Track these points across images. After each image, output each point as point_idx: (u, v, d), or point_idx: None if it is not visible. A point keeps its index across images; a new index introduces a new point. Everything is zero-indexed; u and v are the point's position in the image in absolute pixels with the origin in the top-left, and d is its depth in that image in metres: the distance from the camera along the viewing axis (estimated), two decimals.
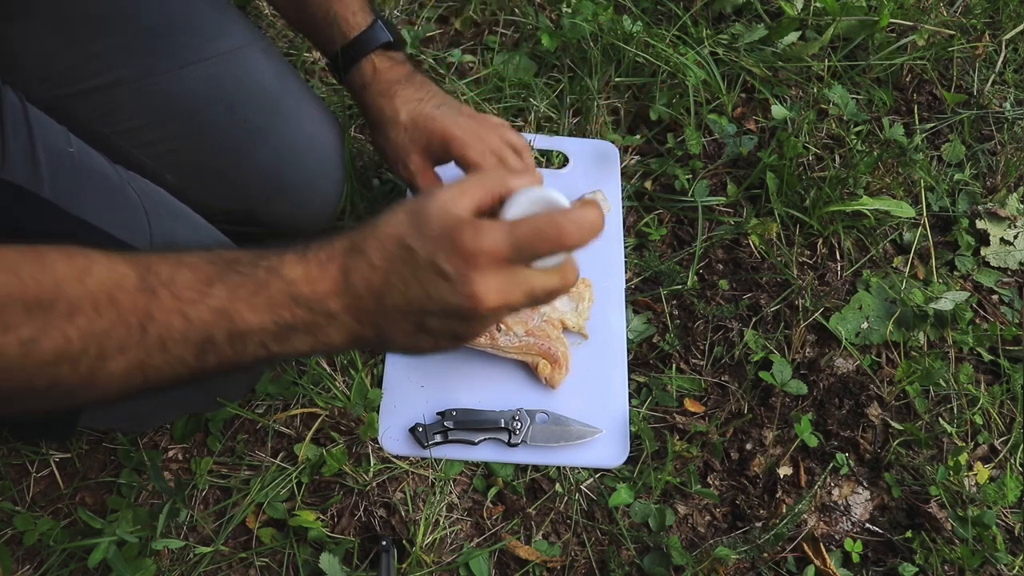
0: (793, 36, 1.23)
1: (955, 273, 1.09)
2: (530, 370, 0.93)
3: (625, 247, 1.04)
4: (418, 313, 0.52)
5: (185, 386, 0.52)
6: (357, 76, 0.86)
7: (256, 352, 0.51)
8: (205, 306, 0.48)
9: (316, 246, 0.52)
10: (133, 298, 0.47)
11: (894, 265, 1.09)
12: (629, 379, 0.95)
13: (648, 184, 1.11)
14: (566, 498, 0.88)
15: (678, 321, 1.00)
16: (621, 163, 1.11)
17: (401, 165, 0.86)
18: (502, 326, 0.90)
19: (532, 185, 0.56)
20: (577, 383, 0.93)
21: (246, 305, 0.49)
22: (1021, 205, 1.14)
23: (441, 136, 0.83)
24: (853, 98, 1.19)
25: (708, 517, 0.90)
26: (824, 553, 0.87)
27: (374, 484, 0.86)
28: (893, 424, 0.96)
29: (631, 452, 0.90)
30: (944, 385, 0.98)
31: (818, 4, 1.24)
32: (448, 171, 0.88)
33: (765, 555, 0.86)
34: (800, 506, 0.88)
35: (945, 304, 1.01)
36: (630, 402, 0.94)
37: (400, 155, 0.85)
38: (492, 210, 0.55)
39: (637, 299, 1.01)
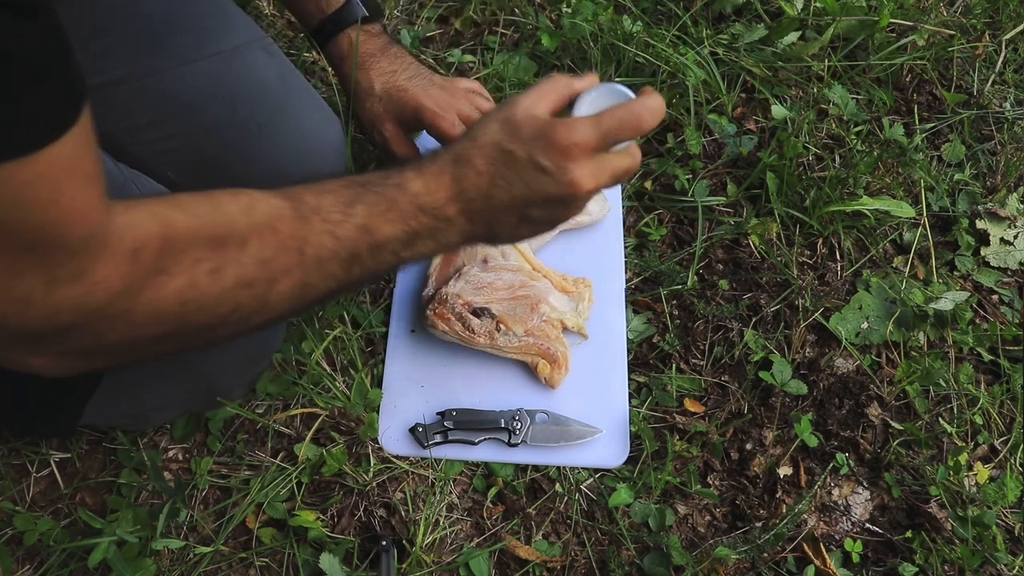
0: (793, 36, 1.23)
1: (955, 273, 1.09)
2: (530, 370, 0.93)
3: (625, 247, 1.04)
4: (522, 206, 0.60)
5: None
6: (335, 49, 0.91)
7: (389, 259, 0.59)
8: (350, 225, 0.55)
9: (428, 161, 0.60)
10: (291, 226, 0.53)
11: (894, 265, 1.09)
12: (629, 379, 0.95)
13: (648, 184, 1.11)
14: (566, 498, 0.88)
15: (678, 321, 1.00)
16: None
17: (376, 133, 0.93)
18: (502, 326, 0.90)
19: (593, 83, 0.64)
20: (577, 383, 0.93)
21: (382, 219, 0.57)
22: (1021, 205, 1.14)
23: (413, 107, 0.90)
24: (853, 98, 1.19)
25: (708, 517, 0.90)
26: (824, 553, 0.87)
27: (374, 484, 0.86)
28: (893, 424, 0.96)
29: (631, 452, 0.90)
30: (944, 385, 0.98)
31: (818, 4, 1.24)
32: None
33: (765, 555, 0.86)
34: (800, 506, 0.88)
35: (945, 304, 1.01)
36: (630, 402, 0.94)
37: (375, 124, 0.92)
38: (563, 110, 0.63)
39: (637, 299, 1.01)
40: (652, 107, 0.59)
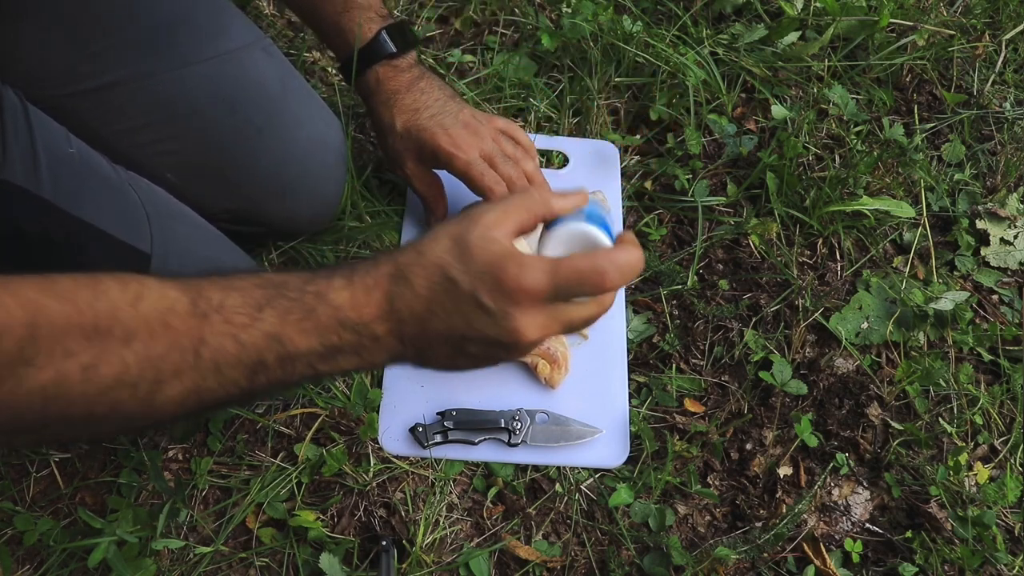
0: (793, 36, 1.23)
1: (955, 273, 1.09)
2: (530, 370, 0.93)
3: None
4: (459, 340, 0.54)
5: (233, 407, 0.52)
6: (363, 85, 0.90)
7: (304, 371, 0.53)
8: (257, 330, 0.50)
9: (362, 271, 0.53)
10: (186, 323, 0.48)
11: (894, 265, 1.09)
12: (629, 379, 0.95)
13: (648, 184, 1.11)
14: (566, 498, 0.88)
15: (678, 321, 1.00)
16: (621, 163, 1.11)
17: (399, 169, 0.93)
18: None
19: (578, 206, 0.57)
20: (577, 383, 0.93)
21: (296, 329, 0.51)
22: (1021, 205, 1.14)
23: (430, 147, 0.88)
24: (853, 98, 1.19)
25: (708, 517, 0.90)
26: (824, 553, 0.87)
27: (374, 484, 0.86)
28: (893, 424, 0.96)
29: (631, 452, 0.90)
30: (944, 385, 0.98)
31: (818, 4, 1.24)
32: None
33: (765, 555, 0.86)
34: (800, 506, 0.88)
35: (945, 304, 1.01)
36: (630, 402, 0.94)
37: (397, 161, 0.92)
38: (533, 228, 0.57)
39: (637, 299, 1.01)
40: (623, 264, 0.52)
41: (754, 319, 1.01)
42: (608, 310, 0.58)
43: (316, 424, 0.87)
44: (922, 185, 1.13)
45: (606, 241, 0.56)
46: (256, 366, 0.50)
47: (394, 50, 0.88)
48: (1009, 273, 1.10)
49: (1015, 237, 1.11)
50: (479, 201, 0.89)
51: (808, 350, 1.00)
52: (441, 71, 1.17)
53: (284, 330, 0.50)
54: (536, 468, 0.89)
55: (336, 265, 0.55)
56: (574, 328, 0.56)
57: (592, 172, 1.09)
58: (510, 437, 0.88)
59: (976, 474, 0.93)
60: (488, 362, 0.57)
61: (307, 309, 0.51)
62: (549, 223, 0.58)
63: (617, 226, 1.04)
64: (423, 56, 1.18)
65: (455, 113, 0.89)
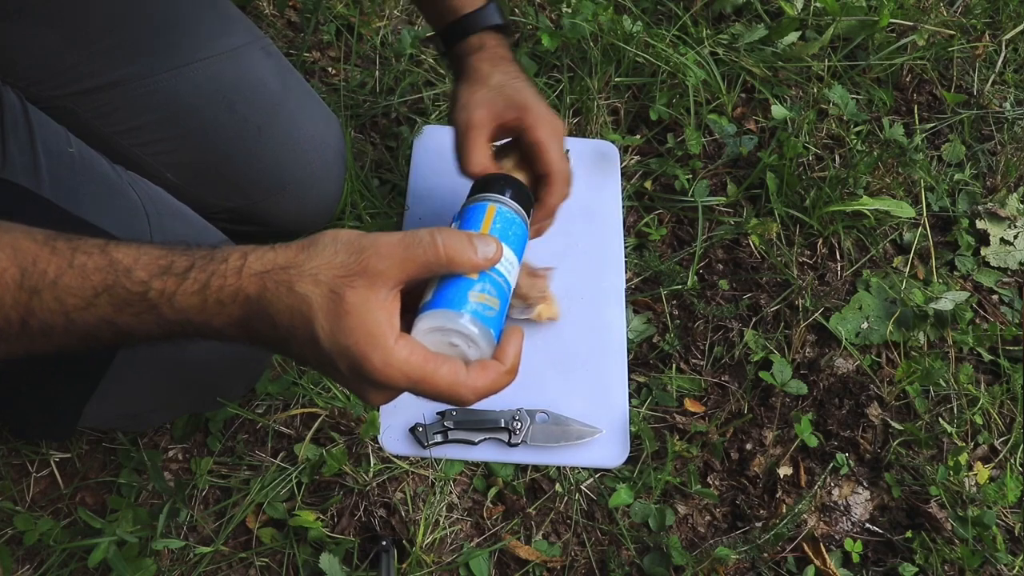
0: (793, 36, 1.23)
1: (955, 273, 1.09)
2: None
3: (625, 247, 1.04)
4: (320, 370, 0.54)
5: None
6: (465, 46, 0.84)
7: (147, 340, 0.52)
8: (89, 314, 0.49)
9: (220, 278, 0.50)
10: (14, 295, 0.48)
11: (894, 265, 1.09)
12: (629, 379, 0.95)
13: (648, 184, 1.11)
14: (566, 498, 0.88)
15: (678, 321, 1.00)
16: (621, 163, 1.11)
17: (466, 114, 0.81)
18: None
19: (478, 269, 0.55)
20: (577, 383, 0.93)
21: (133, 319, 0.50)
22: (1021, 205, 1.14)
23: (521, 104, 0.80)
24: (853, 98, 1.19)
25: (708, 517, 0.90)
26: (824, 553, 0.87)
27: (374, 484, 0.85)
28: (893, 424, 0.96)
29: (631, 452, 0.90)
30: (944, 385, 0.98)
31: (818, 4, 1.24)
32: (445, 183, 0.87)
33: (765, 555, 0.86)
34: (800, 506, 0.88)
35: (945, 304, 1.01)
36: (630, 402, 0.94)
37: (473, 108, 0.81)
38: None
39: (637, 299, 1.01)
40: (480, 389, 0.52)
41: (754, 319, 1.01)
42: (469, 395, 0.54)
43: (316, 424, 0.87)
44: (922, 185, 1.13)
45: (473, 352, 0.55)
46: (89, 339, 0.51)
47: (502, 22, 0.86)
48: (1009, 273, 1.10)
49: (1015, 237, 1.11)
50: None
51: (808, 350, 1.00)
52: (441, 71, 1.16)
53: (119, 318, 0.50)
54: (536, 468, 0.89)
55: (195, 252, 0.51)
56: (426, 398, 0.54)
57: (592, 172, 1.09)
58: (510, 437, 0.88)
59: (976, 474, 0.93)
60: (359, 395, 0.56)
61: (148, 305, 0.49)
62: (443, 278, 0.56)
63: (615, 216, 1.04)
64: (423, 56, 1.18)
65: (542, 97, 0.85)
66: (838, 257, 1.08)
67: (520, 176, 0.78)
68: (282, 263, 0.50)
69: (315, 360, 0.51)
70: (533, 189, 0.78)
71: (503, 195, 0.66)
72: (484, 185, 0.68)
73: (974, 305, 1.06)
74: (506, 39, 0.86)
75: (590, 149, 1.10)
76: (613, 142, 1.12)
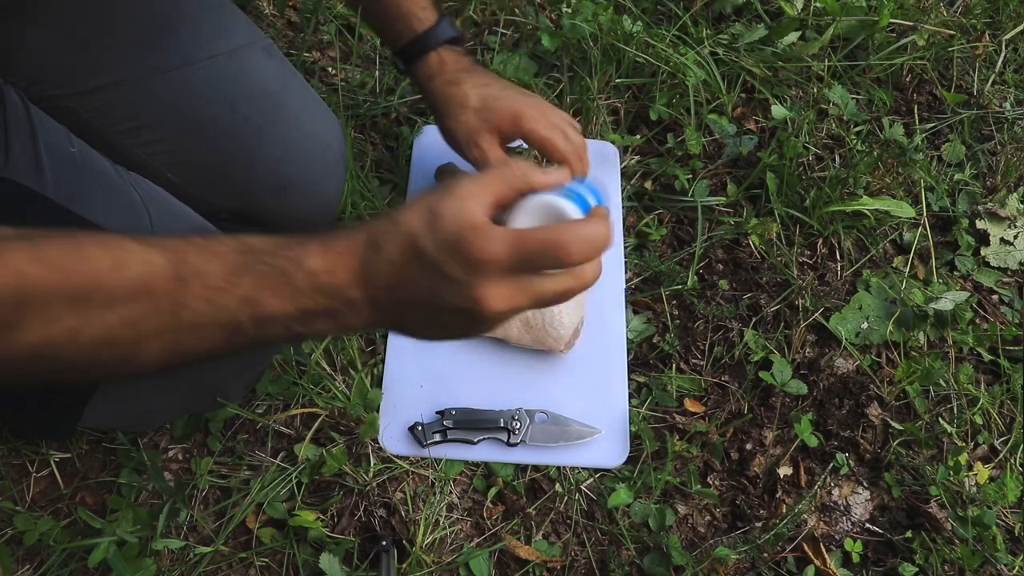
0: (793, 36, 1.23)
1: (955, 273, 1.09)
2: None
3: (625, 247, 1.04)
4: (429, 308, 0.54)
5: (192, 381, 0.53)
6: (424, 68, 0.89)
7: (281, 332, 0.54)
8: (233, 295, 0.51)
9: (338, 238, 0.54)
10: (167, 287, 0.50)
11: (894, 265, 1.09)
12: (629, 379, 0.95)
13: (648, 184, 1.11)
14: (566, 498, 0.88)
15: (678, 321, 1.00)
16: (621, 163, 1.11)
17: (473, 145, 0.88)
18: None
19: (559, 182, 0.57)
20: (577, 383, 0.93)
21: (271, 293, 0.52)
22: (1021, 205, 1.14)
23: (511, 113, 0.86)
24: (853, 98, 1.19)
25: (708, 517, 0.90)
26: (824, 553, 0.87)
27: (374, 484, 0.86)
28: (893, 424, 0.96)
29: (631, 452, 0.90)
30: (944, 385, 0.98)
31: (818, 4, 1.24)
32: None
33: (765, 555, 0.86)
34: (800, 506, 0.88)
35: (945, 304, 1.01)
36: (630, 402, 0.94)
37: (472, 136, 0.88)
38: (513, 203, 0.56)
39: (637, 299, 1.01)
40: (587, 237, 0.51)
41: (754, 319, 1.01)
42: (587, 285, 0.56)
43: (316, 424, 0.87)
44: (922, 185, 1.13)
45: (574, 213, 0.55)
46: (232, 326, 0.52)
47: (456, 34, 0.89)
48: (1009, 273, 1.10)
49: (1015, 237, 1.11)
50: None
51: (808, 350, 1.00)
52: None
53: (259, 294, 0.52)
54: (536, 468, 0.89)
55: (316, 232, 0.55)
56: (546, 302, 0.55)
57: (592, 172, 1.08)
58: (509, 437, 0.88)
59: (976, 474, 0.93)
60: (460, 332, 0.57)
61: (282, 273, 0.52)
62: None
63: (615, 216, 1.04)
64: None
65: (518, 88, 0.91)
66: (838, 257, 1.08)
67: None
68: (381, 221, 0.54)
69: (428, 287, 0.53)
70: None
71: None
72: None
73: (974, 305, 1.06)
74: (463, 50, 0.90)
75: (590, 149, 1.09)
76: (613, 142, 1.12)
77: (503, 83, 0.90)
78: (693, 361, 0.98)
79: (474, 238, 0.51)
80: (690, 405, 0.95)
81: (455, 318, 0.54)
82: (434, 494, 0.86)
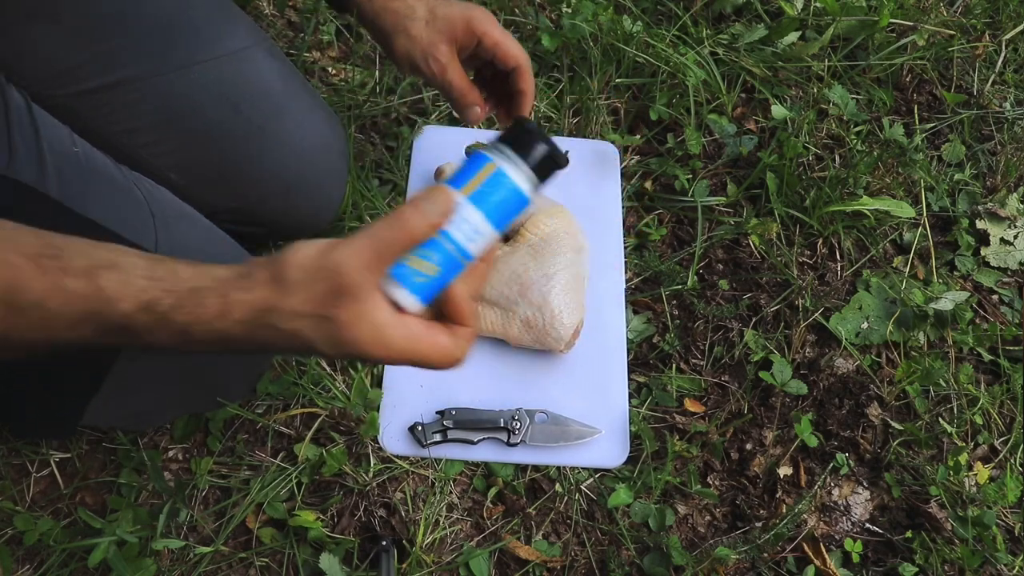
0: (793, 36, 1.23)
1: (955, 273, 1.09)
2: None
3: (625, 247, 1.04)
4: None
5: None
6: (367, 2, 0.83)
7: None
8: (72, 334, 0.50)
9: (202, 324, 0.50)
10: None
11: (894, 265, 1.09)
12: (629, 379, 0.95)
13: (648, 184, 1.11)
14: (566, 498, 0.88)
15: (678, 321, 1.00)
16: (621, 163, 1.11)
17: (431, 60, 0.82)
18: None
19: (435, 227, 0.53)
20: (577, 383, 0.93)
21: (115, 342, 0.51)
22: (1021, 205, 1.14)
23: (463, 19, 0.80)
24: (853, 98, 1.19)
25: (708, 517, 0.90)
26: (824, 553, 0.87)
27: (374, 484, 0.86)
28: (893, 424, 0.96)
29: (631, 452, 0.90)
30: (944, 385, 0.98)
31: (818, 4, 1.24)
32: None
33: (765, 555, 0.86)
34: (800, 506, 0.88)
35: (945, 304, 1.01)
36: (630, 402, 0.94)
37: (426, 50, 0.82)
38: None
39: (637, 299, 1.01)
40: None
41: (754, 319, 1.01)
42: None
43: (316, 424, 0.87)
44: (922, 185, 1.13)
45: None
46: (69, 350, 0.52)
47: None
48: (1009, 273, 1.10)
49: (1015, 237, 1.11)
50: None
51: (808, 350, 1.00)
52: None
53: (103, 340, 0.51)
54: (536, 468, 0.89)
55: (181, 285, 0.50)
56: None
57: (592, 172, 1.09)
58: (509, 437, 0.88)
59: (976, 474, 0.93)
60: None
61: (132, 334, 0.50)
62: None
63: (615, 216, 1.04)
64: None
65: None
66: (838, 257, 1.08)
67: None
68: (260, 305, 0.49)
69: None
70: (510, 85, 0.82)
71: (519, 157, 0.57)
72: (511, 136, 0.58)
73: (974, 305, 1.06)
74: None
75: (590, 149, 1.10)
76: (613, 142, 1.12)
77: None
78: (693, 361, 0.98)
79: (381, 355, 0.50)
80: (690, 405, 0.95)
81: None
82: (434, 494, 0.87)
